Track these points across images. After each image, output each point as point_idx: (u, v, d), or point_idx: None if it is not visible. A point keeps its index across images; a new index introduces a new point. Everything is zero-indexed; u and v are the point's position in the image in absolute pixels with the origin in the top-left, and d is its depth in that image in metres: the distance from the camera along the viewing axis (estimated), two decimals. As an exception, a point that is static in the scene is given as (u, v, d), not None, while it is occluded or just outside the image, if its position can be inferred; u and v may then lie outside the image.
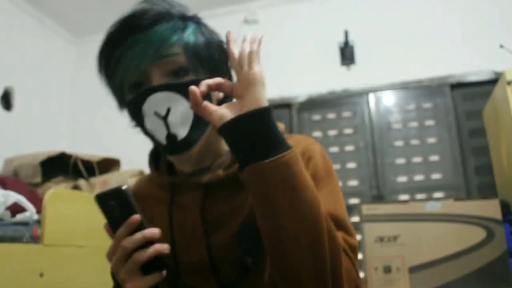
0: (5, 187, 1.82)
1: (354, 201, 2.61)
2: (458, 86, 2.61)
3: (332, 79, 2.81)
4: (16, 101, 2.76)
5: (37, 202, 1.73)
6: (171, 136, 0.65)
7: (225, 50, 0.70)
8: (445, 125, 2.57)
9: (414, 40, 2.72)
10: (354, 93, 2.76)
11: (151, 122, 0.66)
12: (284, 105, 2.84)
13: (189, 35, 0.67)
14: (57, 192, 1.64)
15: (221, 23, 3.74)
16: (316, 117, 2.79)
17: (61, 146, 2.60)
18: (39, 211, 1.64)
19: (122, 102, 0.73)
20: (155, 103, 0.64)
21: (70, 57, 3.42)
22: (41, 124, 2.98)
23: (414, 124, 2.63)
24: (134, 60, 0.64)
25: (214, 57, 0.70)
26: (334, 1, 2.96)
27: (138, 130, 0.75)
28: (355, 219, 2.55)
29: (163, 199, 0.74)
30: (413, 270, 1.44)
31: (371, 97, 2.73)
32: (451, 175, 2.50)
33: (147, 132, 0.69)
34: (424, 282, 1.42)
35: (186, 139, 0.66)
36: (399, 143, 2.63)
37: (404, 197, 2.52)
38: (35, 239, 1.55)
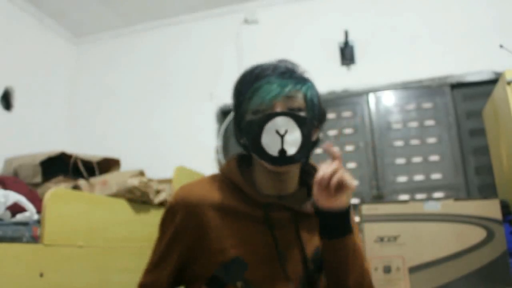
0: (5, 187, 1.82)
1: (354, 201, 2.61)
2: (458, 86, 2.61)
3: (332, 79, 2.81)
4: (16, 101, 2.75)
5: (37, 202, 1.73)
6: (283, 151, 0.85)
7: (324, 107, 0.98)
8: (445, 125, 2.57)
9: (414, 40, 2.72)
10: (354, 93, 2.76)
11: (269, 138, 0.85)
12: (284, 105, 2.85)
13: (308, 88, 0.91)
14: (57, 192, 1.64)
15: (221, 23, 3.75)
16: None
17: (61, 146, 2.60)
18: (39, 211, 1.64)
19: (241, 119, 0.92)
20: (277, 123, 0.85)
21: (70, 57, 3.42)
22: (41, 124, 2.98)
23: (414, 124, 2.63)
24: (269, 93, 0.86)
25: (318, 107, 0.94)
26: (334, 1, 2.96)
27: (239, 143, 0.97)
28: (355, 219, 2.55)
29: (253, 216, 0.90)
30: (413, 270, 1.44)
31: (371, 97, 2.73)
32: (451, 175, 2.50)
33: (258, 145, 0.86)
34: (424, 282, 1.42)
35: (293, 156, 0.86)
36: (399, 143, 2.63)
37: (404, 197, 2.52)
38: (35, 239, 1.55)
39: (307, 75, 0.95)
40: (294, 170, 0.93)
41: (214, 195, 0.91)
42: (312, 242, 0.92)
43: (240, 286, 0.86)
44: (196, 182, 0.96)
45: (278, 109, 0.86)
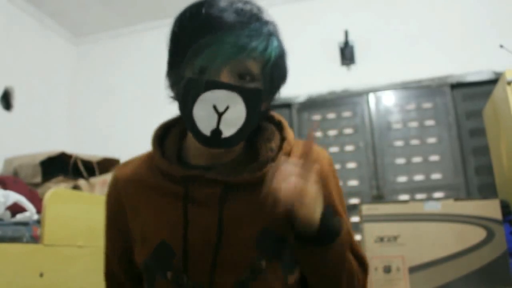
0: (5, 187, 1.83)
1: (354, 201, 2.61)
2: (458, 86, 2.61)
3: (332, 79, 2.82)
4: (16, 101, 2.75)
5: (37, 202, 1.73)
6: (216, 131, 0.67)
7: (287, 70, 0.77)
8: (445, 125, 2.57)
9: (414, 40, 2.72)
10: (354, 93, 2.76)
11: (203, 111, 0.67)
12: (284, 105, 2.85)
13: (272, 50, 0.70)
14: (57, 192, 1.64)
15: (221, 23, 3.69)
16: (316, 117, 2.79)
17: (61, 146, 2.60)
18: (39, 211, 1.64)
19: (177, 74, 0.73)
20: (217, 98, 0.66)
21: (70, 57, 3.42)
22: (41, 124, 2.98)
23: (414, 124, 2.63)
24: (216, 56, 0.66)
25: (284, 75, 0.75)
26: (334, 1, 2.96)
27: (172, 102, 0.77)
28: (355, 219, 2.55)
29: (174, 193, 0.73)
30: (413, 270, 1.44)
31: (371, 97, 2.73)
32: (451, 175, 2.50)
33: (189, 115, 0.68)
34: (424, 282, 1.42)
35: (230, 139, 0.68)
36: (399, 143, 2.63)
37: (404, 197, 2.52)
38: (35, 239, 1.55)
39: (271, 25, 0.74)
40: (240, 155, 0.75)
41: (139, 172, 0.78)
42: (256, 222, 0.71)
43: (170, 277, 0.70)
44: (130, 159, 0.84)
45: (224, 76, 0.67)
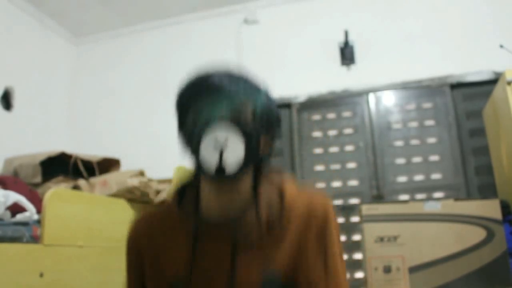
0: (5, 187, 1.82)
1: (354, 201, 2.61)
2: (458, 86, 2.61)
3: (332, 79, 2.82)
4: (16, 101, 2.75)
5: (37, 202, 1.73)
6: (220, 168, 0.80)
7: (278, 120, 0.92)
8: (445, 125, 2.57)
9: (414, 40, 2.72)
10: (354, 93, 2.76)
11: (207, 152, 0.80)
12: (284, 105, 2.85)
13: (260, 98, 0.86)
14: (57, 192, 1.64)
15: (221, 23, 3.75)
16: (316, 117, 2.79)
17: (61, 146, 2.60)
18: (39, 211, 1.64)
19: (186, 130, 0.88)
20: (217, 137, 0.80)
21: (70, 56, 3.42)
22: (41, 124, 2.98)
23: (414, 124, 2.63)
24: (211, 111, 0.82)
25: (269, 115, 0.88)
26: (334, 1, 2.96)
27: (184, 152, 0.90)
28: (355, 219, 2.55)
29: (185, 244, 0.85)
30: (413, 270, 1.44)
31: (371, 97, 2.73)
32: (451, 175, 2.50)
33: (197, 158, 0.81)
34: (424, 282, 1.42)
35: (232, 172, 0.80)
36: (399, 143, 2.63)
37: (404, 197, 2.52)
38: (35, 239, 1.55)
39: (255, 82, 0.89)
40: (242, 185, 0.86)
41: (158, 224, 0.92)
42: (261, 270, 0.82)
43: None
44: (145, 216, 0.97)
45: (222, 124, 0.81)
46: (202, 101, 0.84)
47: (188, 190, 0.93)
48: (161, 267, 0.87)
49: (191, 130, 0.84)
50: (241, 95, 0.84)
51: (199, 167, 0.82)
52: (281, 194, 0.88)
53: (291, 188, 0.90)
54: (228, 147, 0.80)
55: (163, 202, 1.02)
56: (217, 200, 0.85)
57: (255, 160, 0.85)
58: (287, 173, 0.98)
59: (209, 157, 0.79)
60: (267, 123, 0.87)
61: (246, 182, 0.86)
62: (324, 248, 0.86)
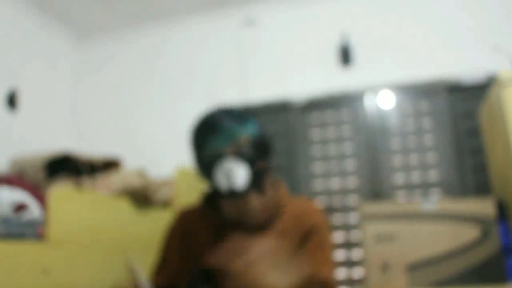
0: (10, 185, 1.85)
1: (352, 200, 2.64)
2: (455, 87, 2.63)
3: (331, 79, 2.84)
4: (21, 101, 2.78)
5: (42, 201, 1.75)
6: (231, 190, 1.10)
7: (269, 143, 1.19)
8: (442, 125, 2.60)
9: (412, 41, 2.75)
10: (352, 93, 2.78)
11: (220, 177, 1.10)
12: (284, 106, 2.87)
13: (251, 129, 1.15)
14: (61, 191, 1.66)
15: (221, 24, 3.76)
16: (315, 117, 2.82)
17: (65, 146, 2.63)
18: (43, 210, 1.66)
19: (200, 161, 1.18)
20: (224, 165, 1.09)
21: (73, 57, 3.45)
22: (45, 124, 3.01)
23: (411, 124, 2.66)
24: (218, 145, 1.11)
25: (265, 144, 1.17)
26: (334, 2, 2.98)
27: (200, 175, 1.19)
28: (354, 218, 2.58)
29: (210, 236, 1.22)
30: (410, 267, 1.46)
31: (370, 98, 2.75)
32: (448, 175, 2.53)
33: (213, 184, 1.14)
34: (422, 280, 1.44)
35: (241, 190, 1.11)
36: (396, 143, 2.66)
37: (401, 196, 2.55)
38: (40, 237, 1.57)
39: (245, 117, 1.16)
40: (255, 203, 1.17)
41: (196, 216, 1.27)
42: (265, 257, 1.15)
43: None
44: (190, 208, 1.30)
45: (228, 153, 1.10)
46: (209, 139, 1.11)
47: (211, 197, 1.25)
48: (192, 248, 1.19)
49: (204, 162, 1.13)
50: (238, 130, 1.12)
51: (215, 188, 1.13)
52: (277, 200, 1.19)
53: (284, 195, 1.23)
54: (233, 172, 1.08)
55: (194, 204, 1.32)
56: (232, 207, 1.18)
57: (257, 178, 1.13)
58: (282, 183, 1.27)
59: (220, 181, 1.09)
60: (261, 148, 1.15)
61: (251, 194, 1.15)
62: (312, 248, 1.16)
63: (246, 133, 1.13)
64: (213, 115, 1.15)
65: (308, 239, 1.15)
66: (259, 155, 1.14)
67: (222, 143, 1.10)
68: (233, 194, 1.10)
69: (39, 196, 1.91)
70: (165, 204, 2.25)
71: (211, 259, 1.14)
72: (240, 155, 1.09)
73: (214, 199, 1.23)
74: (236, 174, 1.08)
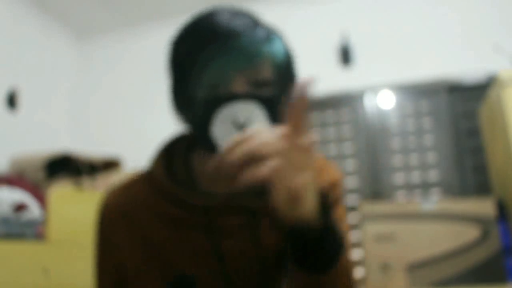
0: (11, 186, 1.85)
1: (352, 200, 2.64)
2: (455, 86, 2.64)
3: (331, 79, 2.84)
4: (21, 101, 2.79)
5: (42, 201, 1.75)
6: None
7: (296, 69, 0.72)
8: (442, 125, 2.60)
9: (413, 41, 2.75)
10: (352, 93, 2.78)
11: (222, 129, 0.60)
12: (284, 106, 2.87)
13: (278, 49, 0.66)
14: (61, 191, 1.67)
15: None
16: (315, 117, 2.82)
17: (64, 145, 2.63)
18: (43, 210, 1.67)
19: (184, 95, 0.67)
20: (235, 111, 0.59)
21: (73, 57, 3.45)
22: (45, 124, 3.01)
23: (411, 124, 2.66)
24: (225, 66, 0.61)
25: (293, 74, 0.70)
26: (334, 2, 2.99)
27: (185, 129, 0.72)
28: (354, 218, 2.58)
29: (197, 224, 0.66)
30: (410, 267, 1.46)
31: (370, 98, 2.76)
32: (448, 175, 2.53)
33: (207, 137, 0.60)
34: (422, 280, 1.45)
35: None
36: (397, 142, 2.66)
37: (401, 196, 2.55)
38: (40, 237, 1.57)
39: (273, 29, 0.70)
40: None
41: (136, 199, 0.70)
42: (275, 241, 0.68)
43: None
44: (121, 184, 0.75)
45: (239, 86, 0.61)
46: (210, 53, 0.61)
47: (176, 155, 0.74)
48: (150, 255, 0.67)
49: (198, 99, 0.63)
50: (262, 45, 0.63)
51: (206, 148, 0.62)
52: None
53: None
54: (250, 125, 0.60)
55: (141, 173, 0.75)
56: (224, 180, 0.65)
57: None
58: None
59: (225, 138, 0.59)
60: (289, 82, 0.67)
61: None
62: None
63: (271, 52, 0.64)
64: (218, 15, 0.64)
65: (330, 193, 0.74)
66: (283, 91, 0.66)
67: (233, 68, 0.61)
68: None
69: (39, 196, 1.91)
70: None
71: (187, 263, 0.66)
72: (263, 93, 0.62)
73: (187, 166, 0.72)
74: (254, 125, 0.60)
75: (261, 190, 0.59)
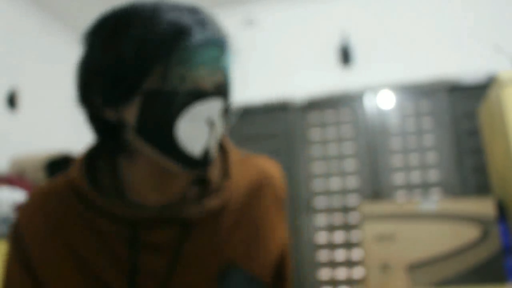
0: (11, 186, 1.85)
1: (352, 200, 2.64)
2: (455, 87, 2.64)
3: (331, 79, 2.84)
4: (21, 101, 2.79)
5: (42, 201, 1.75)
6: (208, 149, 0.56)
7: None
8: (442, 125, 2.61)
9: (413, 41, 2.76)
10: (352, 93, 2.79)
11: (192, 127, 0.54)
12: (283, 106, 2.87)
13: (229, 59, 0.63)
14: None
15: (221, 24, 3.74)
16: (315, 117, 2.82)
17: (65, 145, 2.63)
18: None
19: (131, 87, 0.56)
20: (208, 110, 0.55)
21: (74, 57, 3.44)
22: (45, 124, 3.01)
23: (411, 124, 2.66)
24: (209, 61, 0.57)
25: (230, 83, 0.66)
26: (334, 2, 2.99)
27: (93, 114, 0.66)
28: (354, 218, 2.58)
29: (113, 237, 0.61)
30: (410, 267, 1.46)
31: (370, 98, 2.76)
32: (448, 175, 2.53)
33: (167, 135, 0.55)
34: (422, 280, 1.45)
35: (212, 157, 0.58)
36: (397, 143, 2.66)
37: (401, 196, 2.56)
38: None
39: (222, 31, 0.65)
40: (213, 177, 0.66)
41: (57, 211, 0.64)
42: (218, 257, 0.63)
43: None
44: (36, 193, 0.68)
45: (208, 85, 0.56)
46: (193, 49, 0.55)
47: (100, 164, 0.67)
48: (66, 272, 0.61)
49: (165, 91, 0.54)
50: (224, 56, 0.60)
51: (165, 148, 0.55)
52: (224, 159, 0.67)
53: (235, 152, 0.70)
54: (216, 128, 0.56)
55: (59, 179, 0.68)
56: (155, 178, 0.61)
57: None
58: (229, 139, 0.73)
59: (194, 136, 0.54)
60: (230, 87, 0.63)
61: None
62: (282, 218, 0.70)
63: (228, 62, 0.62)
64: (180, 8, 0.60)
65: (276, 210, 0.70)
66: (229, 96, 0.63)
67: (208, 62, 0.57)
68: (205, 162, 0.56)
69: (40, 196, 1.91)
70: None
71: (110, 277, 0.61)
72: (224, 97, 0.59)
73: (114, 174, 0.65)
74: (219, 126, 0.57)
75: (197, 199, 0.61)
